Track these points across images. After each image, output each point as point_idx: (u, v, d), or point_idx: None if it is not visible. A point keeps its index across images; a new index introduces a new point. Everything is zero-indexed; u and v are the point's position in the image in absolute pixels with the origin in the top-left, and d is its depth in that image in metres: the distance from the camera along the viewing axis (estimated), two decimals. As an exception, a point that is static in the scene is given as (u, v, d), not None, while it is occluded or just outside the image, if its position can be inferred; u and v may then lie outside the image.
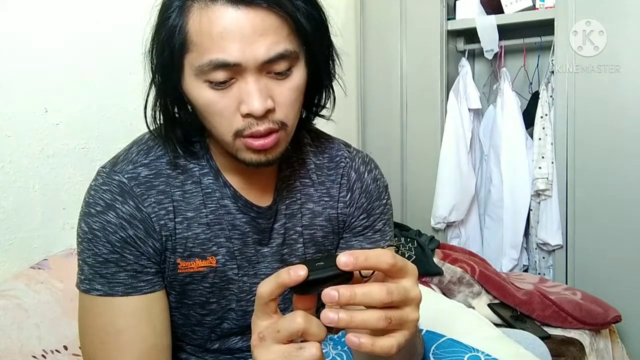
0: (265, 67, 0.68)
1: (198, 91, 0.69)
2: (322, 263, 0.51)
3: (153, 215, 0.76)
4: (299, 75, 0.71)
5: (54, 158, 1.35)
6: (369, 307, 0.51)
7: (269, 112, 0.69)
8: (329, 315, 0.49)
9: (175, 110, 0.77)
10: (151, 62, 0.73)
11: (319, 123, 0.89)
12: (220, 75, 0.67)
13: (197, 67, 0.67)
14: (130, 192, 0.76)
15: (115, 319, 0.74)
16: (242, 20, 0.65)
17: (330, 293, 0.49)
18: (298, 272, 0.50)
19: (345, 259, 0.49)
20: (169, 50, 0.69)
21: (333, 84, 0.82)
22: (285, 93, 0.70)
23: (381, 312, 0.50)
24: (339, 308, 0.50)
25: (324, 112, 0.86)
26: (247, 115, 0.69)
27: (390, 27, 2.43)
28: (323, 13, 0.74)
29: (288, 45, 0.68)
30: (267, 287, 0.52)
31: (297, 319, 0.50)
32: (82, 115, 1.41)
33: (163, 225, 0.77)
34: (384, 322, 0.50)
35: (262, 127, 0.69)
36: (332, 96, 0.83)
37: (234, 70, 0.67)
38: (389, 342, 0.51)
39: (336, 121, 0.88)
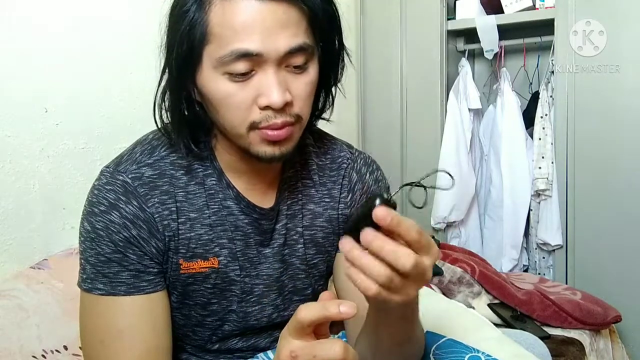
0: (285, 60, 0.69)
1: (216, 84, 0.70)
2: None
3: (156, 216, 0.76)
4: (314, 70, 0.73)
5: (54, 158, 1.35)
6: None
7: (286, 105, 0.70)
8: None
9: (184, 107, 0.77)
10: (168, 55, 0.73)
11: (319, 122, 0.89)
12: (240, 66, 0.68)
13: (217, 59, 0.68)
14: (134, 192, 0.76)
15: (116, 318, 0.74)
16: (265, 12, 0.66)
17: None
18: (349, 310, 0.50)
19: (383, 213, 0.53)
20: (188, 43, 0.69)
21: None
22: (302, 87, 0.72)
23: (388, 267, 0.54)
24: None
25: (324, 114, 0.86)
26: (265, 108, 0.69)
27: (390, 27, 2.42)
28: (337, 11, 0.75)
29: (307, 39, 0.70)
30: (309, 314, 0.53)
31: (336, 348, 0.51)
32: (82, 115, 1.40)
33: (166, 225, 0.77)
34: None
35: (280, 119, 0.70)
36: (332, 98, 0.84)
37: (255, 61, 0.68)
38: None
39: (336, 121, 0.89)
